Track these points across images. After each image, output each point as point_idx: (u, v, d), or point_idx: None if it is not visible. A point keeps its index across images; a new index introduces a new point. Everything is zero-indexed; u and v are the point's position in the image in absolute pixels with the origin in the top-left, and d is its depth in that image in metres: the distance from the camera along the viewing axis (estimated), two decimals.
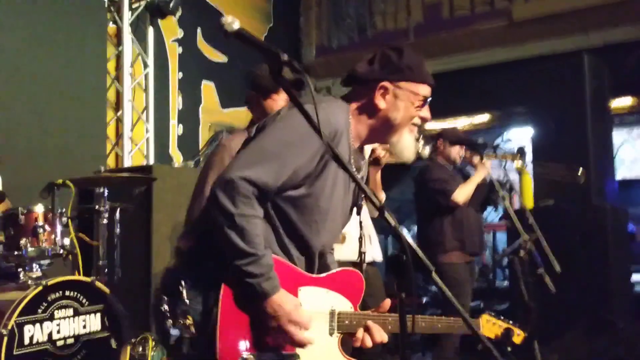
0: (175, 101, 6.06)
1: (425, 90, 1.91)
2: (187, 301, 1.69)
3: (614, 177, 5.68)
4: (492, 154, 3.81)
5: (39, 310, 2.80)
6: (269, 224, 1.80)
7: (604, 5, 5.75)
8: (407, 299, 1.38)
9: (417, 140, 2.12)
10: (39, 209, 3.14)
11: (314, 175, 1.78)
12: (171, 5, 5.47)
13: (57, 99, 4.64)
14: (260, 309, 1.69)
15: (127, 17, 5.39)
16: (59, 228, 3.20)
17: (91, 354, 2.96)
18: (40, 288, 2.77)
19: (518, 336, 2.32)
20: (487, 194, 4.33)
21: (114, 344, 3.05)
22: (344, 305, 1.91)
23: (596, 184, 4.85)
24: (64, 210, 3.27)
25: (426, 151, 3.73)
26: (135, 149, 5.49)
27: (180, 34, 6.16)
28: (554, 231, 3.82)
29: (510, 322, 2.32)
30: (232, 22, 1.52)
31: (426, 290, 6.56)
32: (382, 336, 1.89)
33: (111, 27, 5.45)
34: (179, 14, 5.93)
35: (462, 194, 4.17)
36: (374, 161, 3.59)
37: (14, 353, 2.68)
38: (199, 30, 6.35)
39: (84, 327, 2.96)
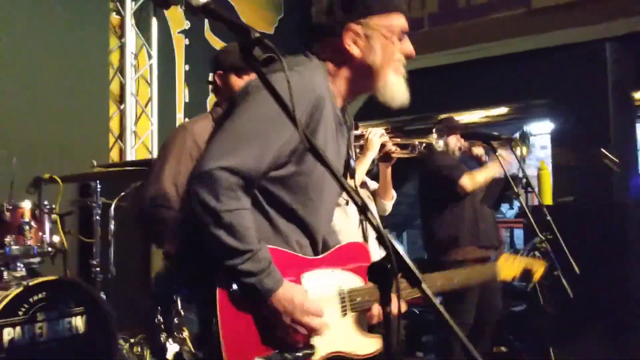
0: (182, 94, 5.90)
1: (398, 19, 1.71)
2: (182, 312, 1.52)
3: (637, 172, 5.42)
4: (497, 139, 3.53)
5: (20, 313, 2.65)
6: (259, 212, 1.62)
7: None
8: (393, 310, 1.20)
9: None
10: (26, 204, 3.00)
11: (302, 148, 1.59)
12: None
13: (56, 91, 4.50)
14: (266, 307, 1.52)
15: (130, 7, 5.24)
16: (47, 225, 3.06)
17: (77, 357, 2.81)
18: (20, 289, 2.62)
19: (537, 272, 2.28)
20: (502, 190, 4.06)
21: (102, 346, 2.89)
22: (353, 281, 1.75)
23: (618, 179, 4.60)
24: (53, 206, 3.13)
25: (440, 144, 3.53)
26: (139, 142, 5.35)
27: (186, 25, 6.00)
28: (574, 229, 3.60)
29: (531, 255, 2.20)
30: None
31: None
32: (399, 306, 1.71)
33: (115, 17, 5.31)
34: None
35: (471, 179, 3.88)
36: (385, 157, 3.39)
37: None
38: (206, 21, 6.18)
39: (70, 329, 2.81)
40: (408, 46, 1.74)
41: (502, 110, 6.74)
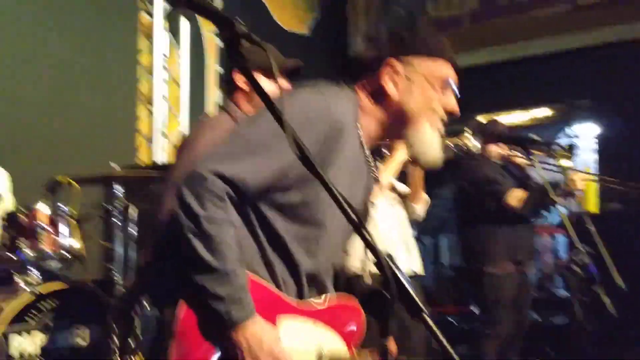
0: (214, 96, 5.83)
1: (445, 68, 1.53)
2: (140, 334, 1.38)
3: None
4: (539, 150, 3.34)
5: (30, 320, 2.57)
6: (250, 234, 1.46)
7: None
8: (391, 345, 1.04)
9: (443, 137, 1.72)
10: (41, 207, 2.92)
11: (312, 178, 1.43)
12: None
13: (83, 92, 4.47)
14: (228, 340, 1.35)
15: (160, 8, 5.19)
16: (63, 229, 2.98)
17: None
18: (30, 295, 2.55)
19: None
20: (540, 197, 3.84)
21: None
22: (336, 345, 1.53)
23: None
24: (71, 209, 3.05)
25: (477, 145, 3.34)
26: (168, 144, 5.29)
27: None
28: (621, 239, 3.39)
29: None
30: None
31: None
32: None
33: (145, 18, 5.27)
34: (219, 5, 5.70)
35: (517, 197, 3.73)
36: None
37: None
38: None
39: (82, 339, 2.72)
40: (452, 101, 1.57)
41: (544, 111, 6.45)
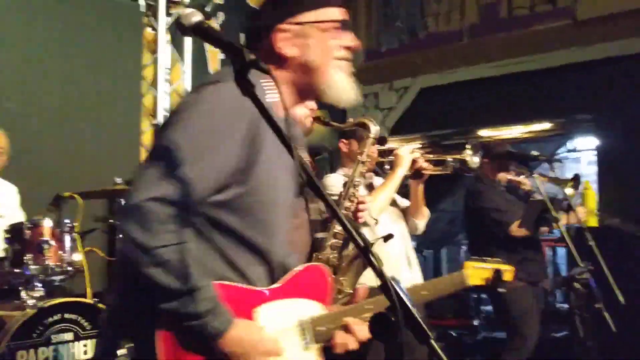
0: None
1: (331, 12, 1.56)
2: None
3: None
4: (544, 176, 3.43)
5: (34, 335, 2.59)
6: (204, 241, 1.43)
7: None
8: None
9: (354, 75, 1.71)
10: (46, 222, 2.95)
11: (249, 166, 1.42)
12: (208, 9, 5.28)
13: (89, 105, 4.51)
14: (217, 351, 1.36)
15: (163, 22, 5.24)
16: (67, 244, 3.01)
17: None
18: (35, 310, 2.57)
19: (508, 272, 2.13)
20: (540, 213, 3.89)
21: None
22: (312, 309, 1.56)
23: None
24: (74, 224, 3.08)
25: (475, 160, 3.37)
26: None
27: None
28: (620, 254, 3.40)
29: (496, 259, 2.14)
30: (191, 15, 1.25)
31: (478, 311, 6.11)
32: (364, 332, 1.51)
33: (150, 32, 5.32)
34: (221, 19, 5.74)
35: (521, 229, 3.82)
36: (416, 174, 3.25)
37: None
38: (242, 36, 6.13)
39: (85, 352, 2.74)
40: (348, 38, 1.59)
41: (545, 125, 6.48)
